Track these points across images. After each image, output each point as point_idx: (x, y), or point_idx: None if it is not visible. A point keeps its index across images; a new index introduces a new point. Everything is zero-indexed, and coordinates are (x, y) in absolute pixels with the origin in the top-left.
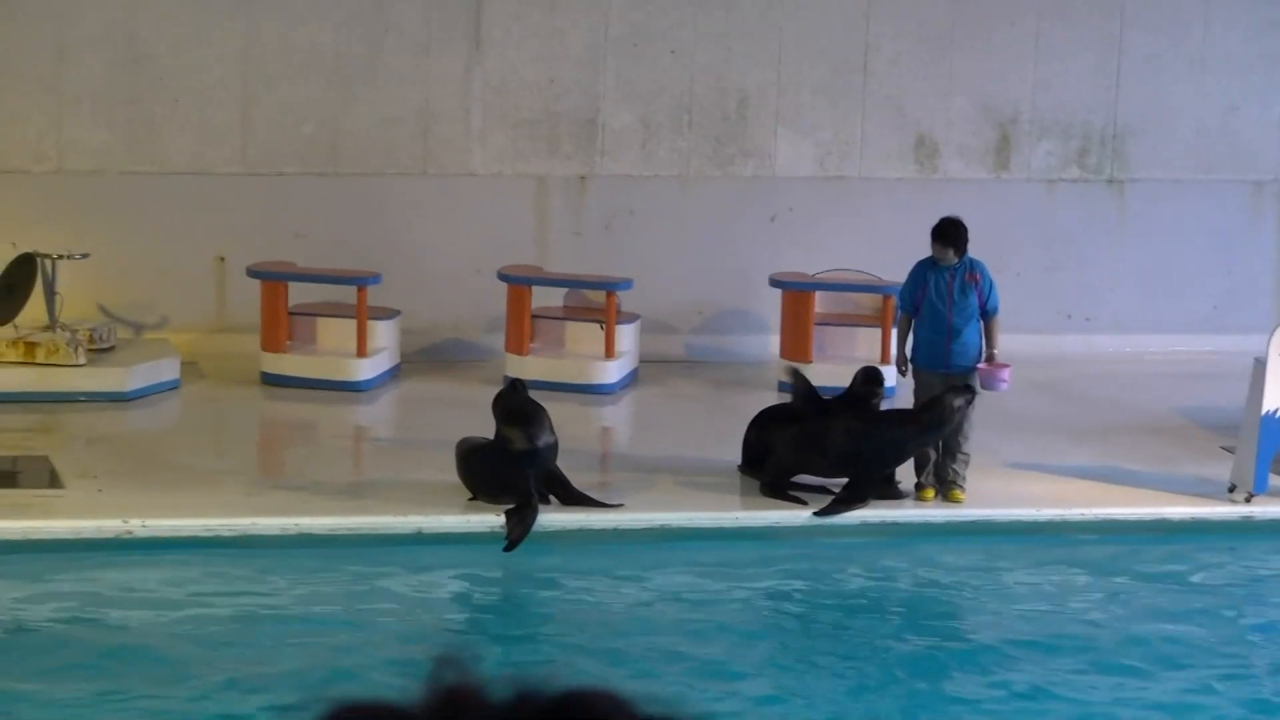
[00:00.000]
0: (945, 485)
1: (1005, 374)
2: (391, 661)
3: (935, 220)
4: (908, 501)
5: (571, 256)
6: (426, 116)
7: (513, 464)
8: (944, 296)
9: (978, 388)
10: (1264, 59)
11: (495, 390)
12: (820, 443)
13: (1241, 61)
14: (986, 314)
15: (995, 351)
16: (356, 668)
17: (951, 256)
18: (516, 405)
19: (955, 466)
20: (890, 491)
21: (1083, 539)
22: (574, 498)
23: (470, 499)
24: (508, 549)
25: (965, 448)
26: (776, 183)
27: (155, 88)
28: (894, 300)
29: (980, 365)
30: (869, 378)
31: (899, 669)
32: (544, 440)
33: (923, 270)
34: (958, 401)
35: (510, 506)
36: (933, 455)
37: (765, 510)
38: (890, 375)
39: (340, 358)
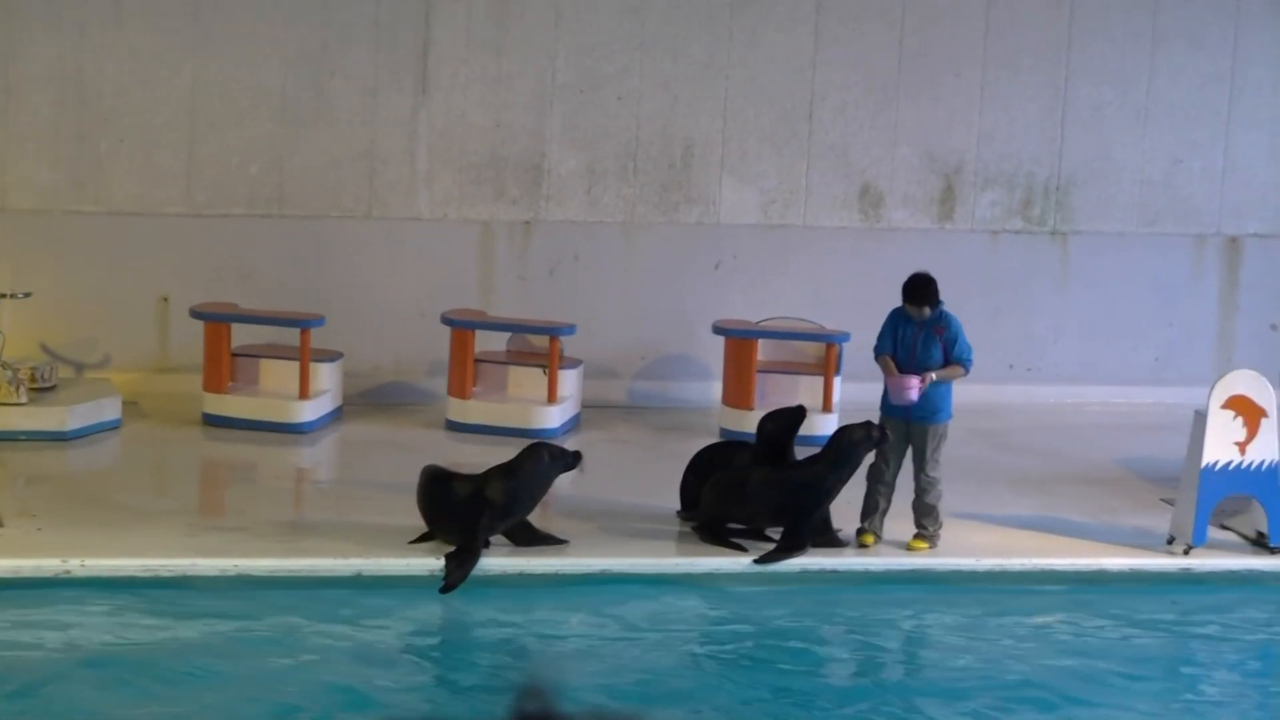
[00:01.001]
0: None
1: (913, 381)
2: (331, 702)
3: (879, 269)
4: (849, 549)
5: (516, 301)
6: (372, 159)
7: (478, 511)
8: (908, 347)
9: (902, 400)
10: (1207, 112)
11: (437, 435)
12: (739, 492)
13: (1185, 115)
14: (951, 363)
15: (931, 375)
16: (295, 709)
17: (926, 313)
18: (542, 469)
19: (920, 517)
20: (829, 540)
21: (1022, 589)
22: (536, 539)
23: (417, 540)
24: (445, 590)
25: (928, 497)
26: (721, 230)
27: (101, 127)
28: (837, 349)
29: (889, 378)
30: (773, 416)
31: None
32: (522, 502)
33: (894, 319)
34: (858, 435)
35: (452, 550)
36: (882, 504)
37: (706, 557)
38: (826, 423)
39: (282, 399)
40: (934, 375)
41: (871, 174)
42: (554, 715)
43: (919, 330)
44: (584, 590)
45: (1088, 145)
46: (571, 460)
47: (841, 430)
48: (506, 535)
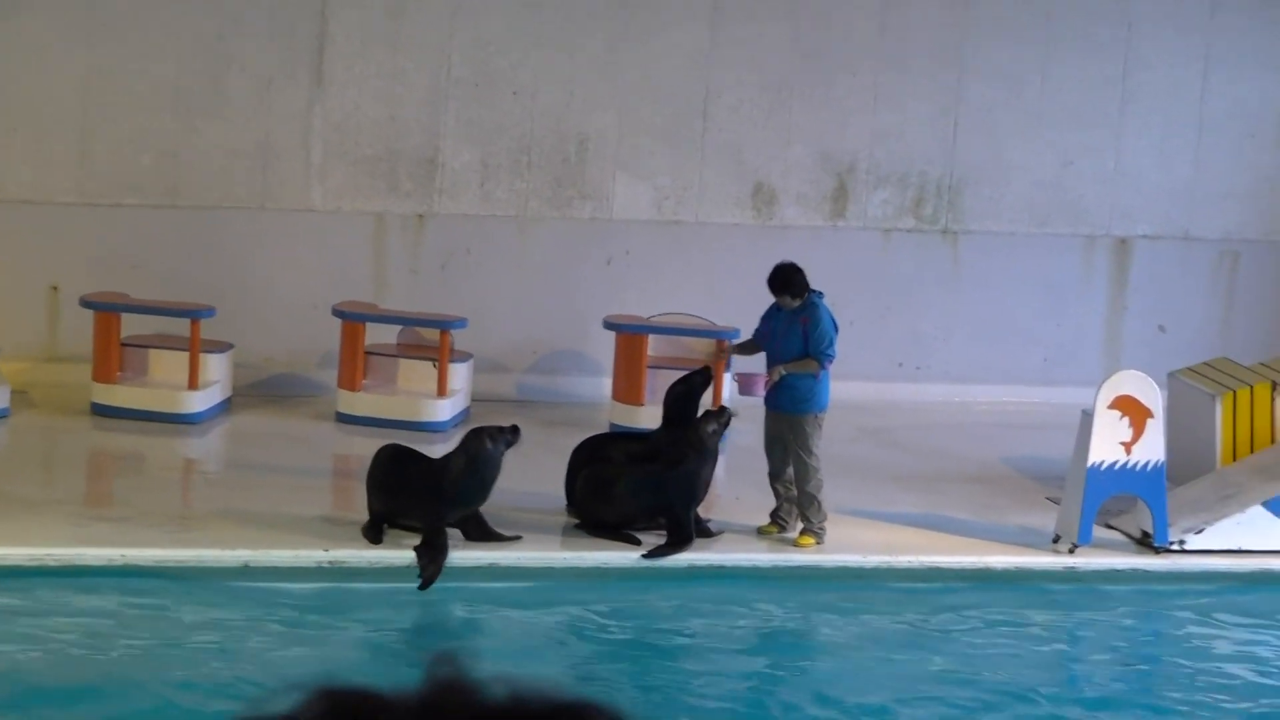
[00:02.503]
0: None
1: (757, 378)
2: (215, 693)
3: (771, 266)
4: (738, 547)
5: (407, 294)
6: (266, 151)
7: (442, 499)
8: (776, 337)
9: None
10: (1099, 114)
11: (327, 427)
12: (609, 492)
13: (1077, 117)
14: (808, 354)
15: (779, 370)
16: (179, 698)
17: (790, 301)
18: (486, 455)
19: (802, 509)
20: (699, 530)
21: (908, 586)
22: (488, 535)
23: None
24: (423, 587)
25: (808, 486)
26: (614, 225)
27: None
28: (728, 343)
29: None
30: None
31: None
32: (475, 491)
33: (771, 309)
34: (711, 426)
35: (419, 543)
36: (783, 494)
37: (593, 551)
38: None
39: (172, 390)
40: (783, 370)
41: (765, 172)
42: (465, 684)
43: (789, 321)
44: (470, 582)
45: (980, 146)
46: (512, 436)
47: (698, 423)
48: (459, 527)
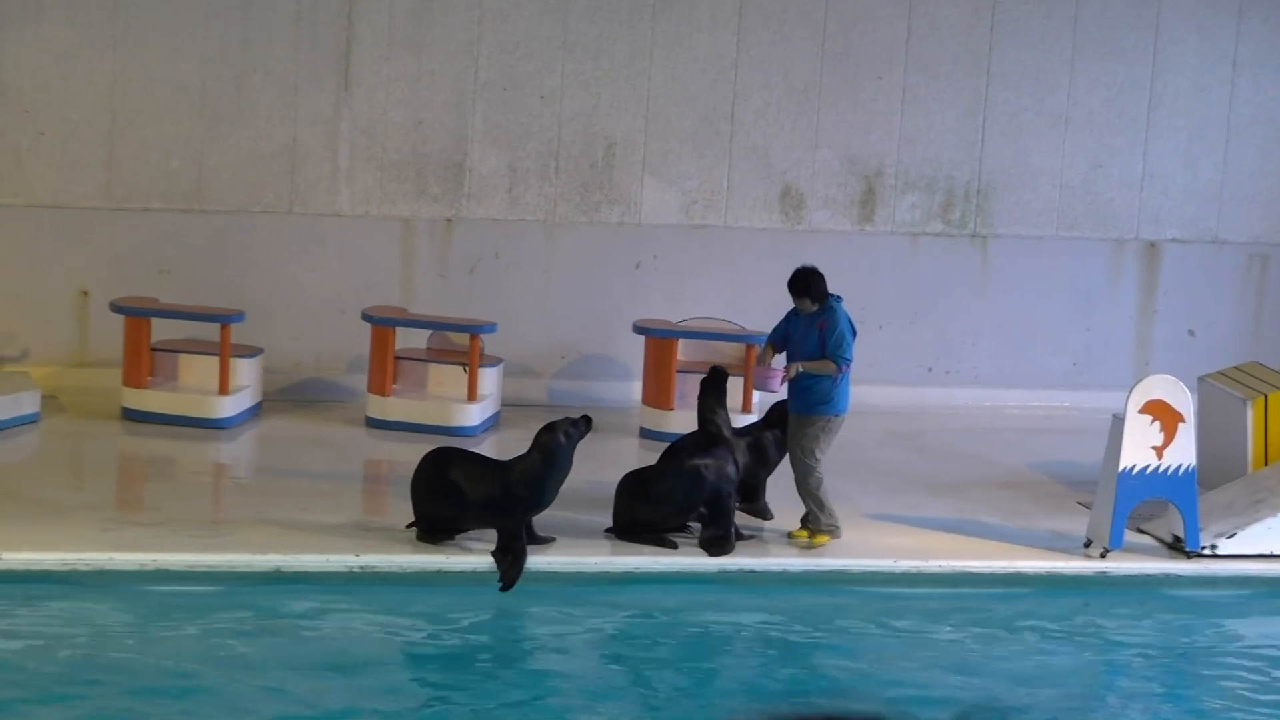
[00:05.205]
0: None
1: (774, 372)
2: (247, 698)
3: None
4: (771, 550)
5: (436, 298)
6: (293, 155)
7: (518, 500)
8: (795, 341)
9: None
10: (1126, 119)
11: (357, 432)
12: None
13: (1105, 121)
14: (825, 355)
15: (796, 366)
16: (211, 704)
17: (809, 305)
18: (561, 449)
19: (808, 510)
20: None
21: (939, 592)
22: (531, 537)
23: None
24: (504, 589)
25: (808, 484)
26: (642, 230)
27: (20, 120)
28: (756, 348)
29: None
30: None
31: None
32: (551, 491)
33: (790, 312)
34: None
35: (496, 548)
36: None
37: (626, 556)
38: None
39: (202, 394)
40: (801, 367)
41: (792, 176)
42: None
43: (808, 325)
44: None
45: (1007, 150)
46: (585, 427)
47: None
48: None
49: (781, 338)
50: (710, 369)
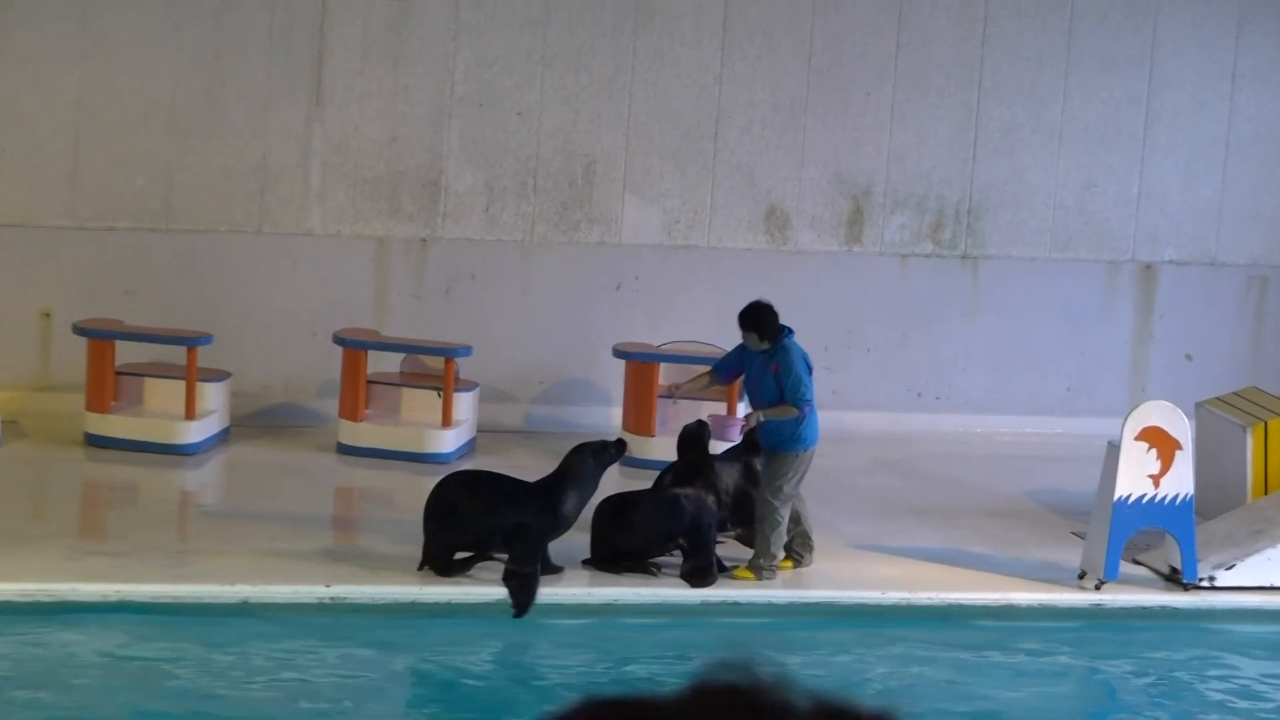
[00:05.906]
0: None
1: (734, 421)
2: None
3: (785, 292)
4: (752, 582)
5: (410, 321)
6: (264, 173)
7: (543, 523)
8: (751, 382)
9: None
10: (1122, 136)
11: (328, 458)
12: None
13: (1100, 138)
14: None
15: (757, 415)
16: None
17: (757, 341)
18: (590, 473)
19: (756, 544)
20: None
21: (928, 623)
22: (546, 566)
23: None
24: (518, 616)
25: (764, 525)
26: (623, 250)
27: None
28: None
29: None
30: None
31: None
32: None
33: (739, 346)
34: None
35: (506, 572)
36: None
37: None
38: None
39: (168, 420)
40: (761, 416)
41: (778, 195)
42: (768, 689)
43: (760, 364)
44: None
45: (1000, 168)
46: (616, 451)
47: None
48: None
49: (729, 372)
50: (686, 431)
